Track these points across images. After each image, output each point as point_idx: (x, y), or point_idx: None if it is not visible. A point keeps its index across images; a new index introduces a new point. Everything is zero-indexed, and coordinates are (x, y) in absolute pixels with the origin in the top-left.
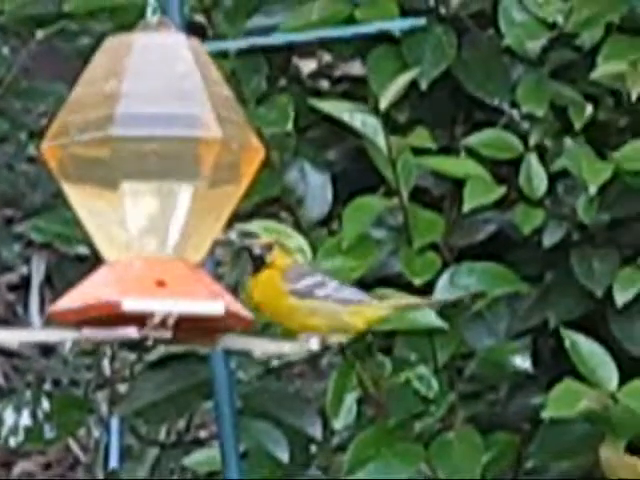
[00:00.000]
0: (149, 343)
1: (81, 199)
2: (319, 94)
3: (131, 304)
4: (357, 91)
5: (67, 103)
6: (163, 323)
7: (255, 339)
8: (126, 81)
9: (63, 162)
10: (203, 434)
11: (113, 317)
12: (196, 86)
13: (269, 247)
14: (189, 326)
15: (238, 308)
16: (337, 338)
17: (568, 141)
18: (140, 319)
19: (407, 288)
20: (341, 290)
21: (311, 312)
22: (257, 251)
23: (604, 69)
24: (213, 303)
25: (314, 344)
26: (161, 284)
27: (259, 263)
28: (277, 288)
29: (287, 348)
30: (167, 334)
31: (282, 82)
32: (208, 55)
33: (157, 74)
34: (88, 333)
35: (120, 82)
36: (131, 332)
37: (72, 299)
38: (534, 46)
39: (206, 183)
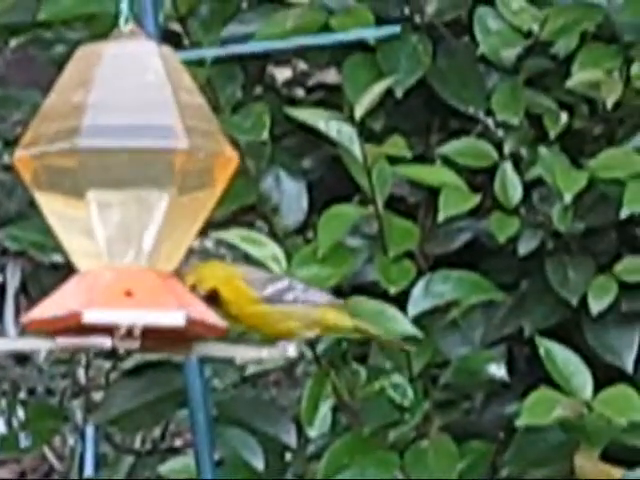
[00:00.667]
0: (120, 352)
1: (53, 209)
2: (294, 102)
3: (92, 315)
4: (332, 99)
5: (39, 112)
6: (130, 333)
7: (233, 346)
8: (94, 91)
9: (34, 172)
10: (178, 442)
11: (84, 327)
12: (165, 95)
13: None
14: (159, 336)
15: (210, 317)
16: (310, 334)
17: (543, 149)
18: (109, 329)
19: (382, 296)
20: (308, 292)
21: (283, 316)
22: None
23: (579, 77)
24: (174, 314)
25: (292, 351)
26: (129, 294)
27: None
28: (248, 297)
29: (265, 354)
30: (135, 344)
31: (257, 90)
32: (182, 63)
33: (126, 83)
34: (62, 342)
35: (88, 92)
36: (105, 341)
37: (42, 310)
38: (509, 54)
39: (175, 192)
